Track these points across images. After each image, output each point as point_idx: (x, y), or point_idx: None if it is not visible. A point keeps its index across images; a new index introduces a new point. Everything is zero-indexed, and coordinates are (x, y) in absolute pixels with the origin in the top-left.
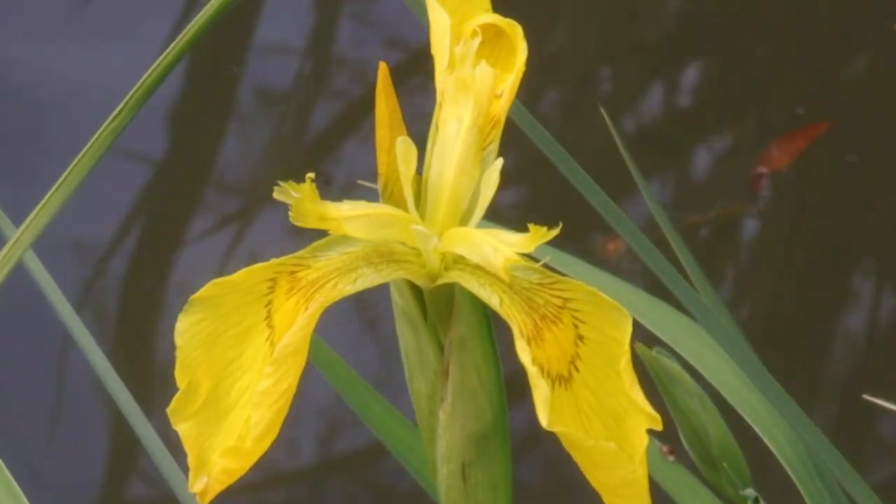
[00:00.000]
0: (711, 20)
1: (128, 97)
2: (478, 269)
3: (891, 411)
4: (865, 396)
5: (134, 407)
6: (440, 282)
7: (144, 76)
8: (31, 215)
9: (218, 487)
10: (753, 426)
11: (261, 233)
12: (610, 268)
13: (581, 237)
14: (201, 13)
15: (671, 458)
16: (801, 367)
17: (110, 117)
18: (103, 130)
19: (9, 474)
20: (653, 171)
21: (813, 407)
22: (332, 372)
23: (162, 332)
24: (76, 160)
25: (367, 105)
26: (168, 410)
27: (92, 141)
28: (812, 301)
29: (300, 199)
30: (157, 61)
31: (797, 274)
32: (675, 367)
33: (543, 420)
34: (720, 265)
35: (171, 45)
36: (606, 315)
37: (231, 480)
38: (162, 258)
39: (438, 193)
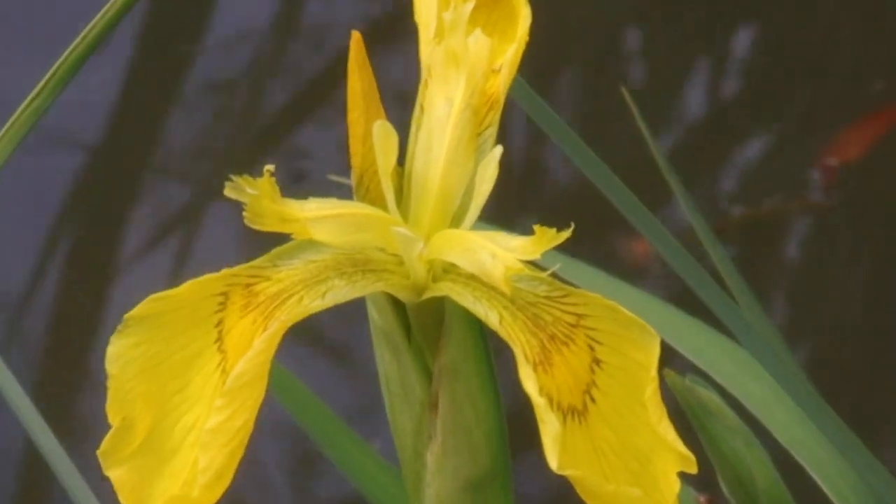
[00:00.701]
0: None
1: (51, 72)
2: (473, 279)
3: None
4: None
5: (57, 449)
6: (427, 295)
7: (69, 49)
8: None
9: None
10: (809, 470)
11: (212, 239)
12: (635, 275)
13: (600, 237)
14: None
15: None
16: (867, 400)
17: (29, 97)
18: (22, 111)
19: None
20: (694, 164)
21: (882, 449)
22: (297, 404)
23: (96, 359)
24: None
25: (335, 81)
26: (99, 452)
27: (9, 124)
28: (882, 321)
29: (257, 196)
30: (78, 38)
31: (865, 288)
32: (714, 398)
33: (553, 462)
34: (770, 275)
35: (89, 26)
36: (629, 335)
37: None
38: (96, 272)
39: (424, 189)
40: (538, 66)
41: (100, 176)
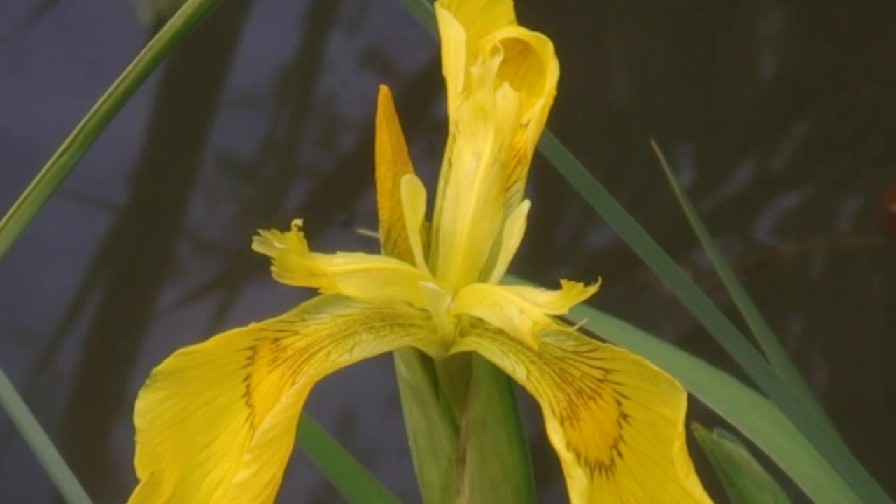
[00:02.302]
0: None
1: (74, 133)
2: (500, 334)
3: None
4: None
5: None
6: (455, 350)
7: (93, 109)
8: None
9: None
10: None
11: (251, 303)
12: (665, 307)
13: (632, 271)
14: (146, 48)
15: None
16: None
17: (52, 158)
18: (47, 171)
19: None
20: (727, 211)
21: None
22: (326, 459)
23: (126, 419)
24: (17, 203)
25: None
26: None
27: (34, 184)
28: None
29: (285, 250)
30: (106, 94)
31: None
32: (742, 452)
33: None
34: (801, 316)
35: (117, 81)
36: (656, 390)
37: None
38: (128, 332)
39: (452, 244)
40: (567, 113)
41: (131, 235)
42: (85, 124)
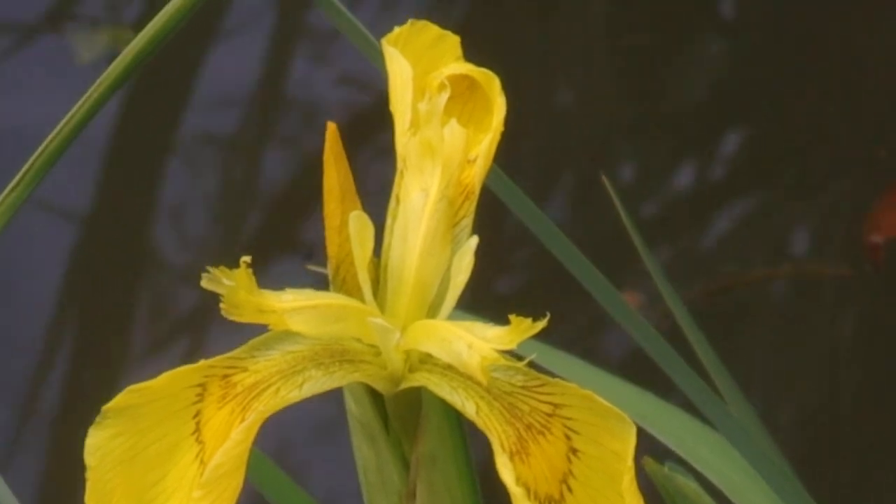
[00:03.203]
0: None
1: (46, 142)
2: (449, 370)
3: None
4: None
5: None
6: (404, 386)
7: (63, 121)
8: None
9: None
10: None
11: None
12: (617, 336)
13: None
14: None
15: None
16: (851, 489)
17: (25, 166)
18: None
19: None
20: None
21: None
22: (277, 493)
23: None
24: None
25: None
26: None
27: (7, 190)
28: (866, 405)
29: (233, 287)
30: (78, 104)
31: (853, 368)
32: (693, 486)
33: None
34: (752, 347)
35: (91, 89)
36: (605, 424)
37: None
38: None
39: (401, 279)
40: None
41: (99, 251)
42: (49, 143)
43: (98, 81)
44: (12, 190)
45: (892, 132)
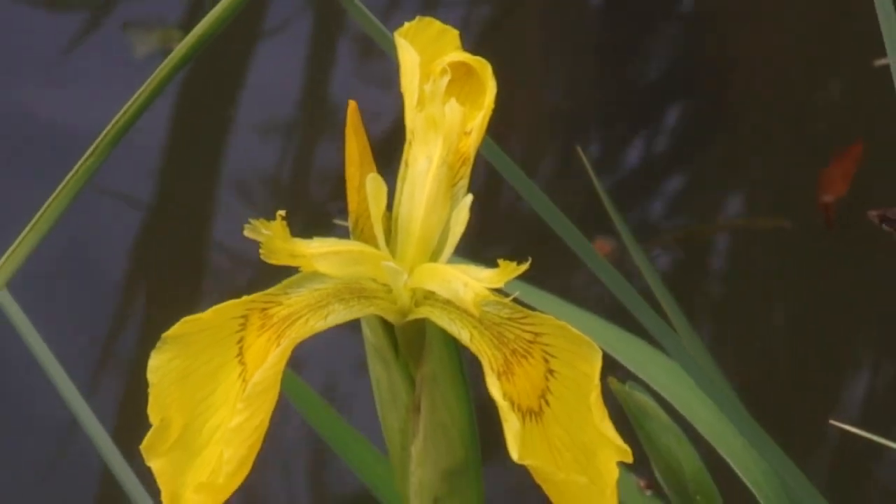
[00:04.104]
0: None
1: (103, 134)
2: (448, 304)
3: (870, 443)
4: (832, 421)
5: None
6: (411, 318)
7: (117, 116)
8: (6, 255)
9: None
10: (728, 460)
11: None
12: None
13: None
14: (173, 53)
15: (648, 493)
16: (777, 398)
17: (83, 157)
18: (77, 169)
19: None
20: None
21: (786, 439)
22: (306, 406)
23: None
24: (50, 199)
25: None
26: (142, 447)
27: (67, 179)
28: (794, 327)
29: (270, 236)
30: (131, 100)
31: (791, 306)
32: (649, 402)
33: (514, 453)
34: (702, 287)
35: (143, 86)
36: (577, 349)
37: None
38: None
39: (408, 230)
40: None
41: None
42: (110, 129)
43: (157, 71)
44: (81, 166)
45: (828, 106)
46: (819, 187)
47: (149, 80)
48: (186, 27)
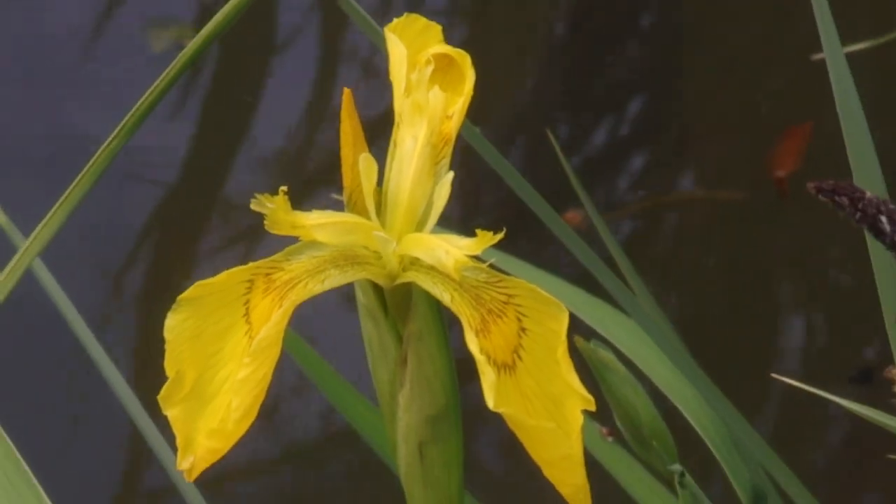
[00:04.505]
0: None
1: (128, 116)
2: (432, 269)
3: (814, 395)
4: (773, 375)
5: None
6: (399, 281)
7: (140, 101)
8: (39, 226)
9: (203, 465)
10: (680, 408)
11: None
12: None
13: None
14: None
15: (609, 439)
16: (723, 351)
17: (109, 137)
18: (104, 148)
19: (30, 472)
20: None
21: (731, 388)
22: (305, 360)
23: None
24: (80, 176)
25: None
26: (159, 397)
27: (94, 158)
28: (737, 284)
29: (274, 209)
30: (156, 83)
31: (726, 267)
32: (610, 357)
33: (490, 402)
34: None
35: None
36: (546, 309)
37: (215, 459)
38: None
39: (396, 203)
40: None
41: (175, 205)
42: (130, 117)
43: (173, 63)
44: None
45: (773, 94)
46: (771, 162)
47: (166, 71)
48: (197, 26)
